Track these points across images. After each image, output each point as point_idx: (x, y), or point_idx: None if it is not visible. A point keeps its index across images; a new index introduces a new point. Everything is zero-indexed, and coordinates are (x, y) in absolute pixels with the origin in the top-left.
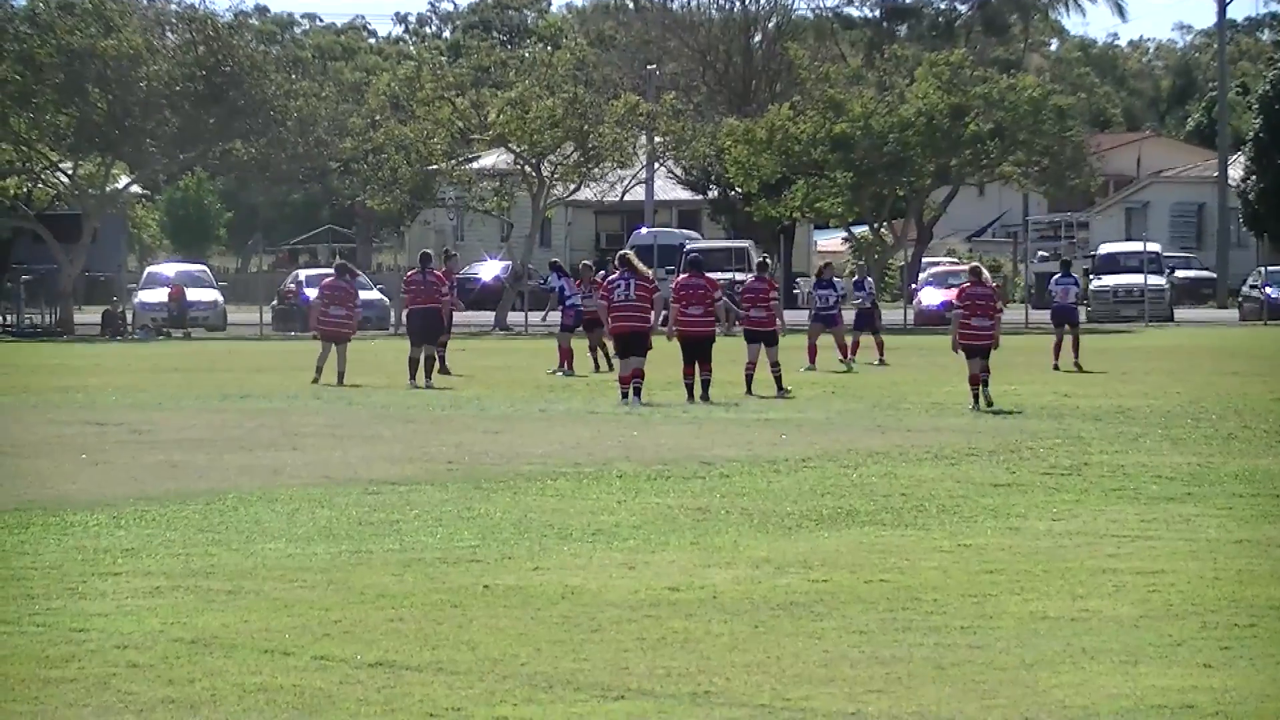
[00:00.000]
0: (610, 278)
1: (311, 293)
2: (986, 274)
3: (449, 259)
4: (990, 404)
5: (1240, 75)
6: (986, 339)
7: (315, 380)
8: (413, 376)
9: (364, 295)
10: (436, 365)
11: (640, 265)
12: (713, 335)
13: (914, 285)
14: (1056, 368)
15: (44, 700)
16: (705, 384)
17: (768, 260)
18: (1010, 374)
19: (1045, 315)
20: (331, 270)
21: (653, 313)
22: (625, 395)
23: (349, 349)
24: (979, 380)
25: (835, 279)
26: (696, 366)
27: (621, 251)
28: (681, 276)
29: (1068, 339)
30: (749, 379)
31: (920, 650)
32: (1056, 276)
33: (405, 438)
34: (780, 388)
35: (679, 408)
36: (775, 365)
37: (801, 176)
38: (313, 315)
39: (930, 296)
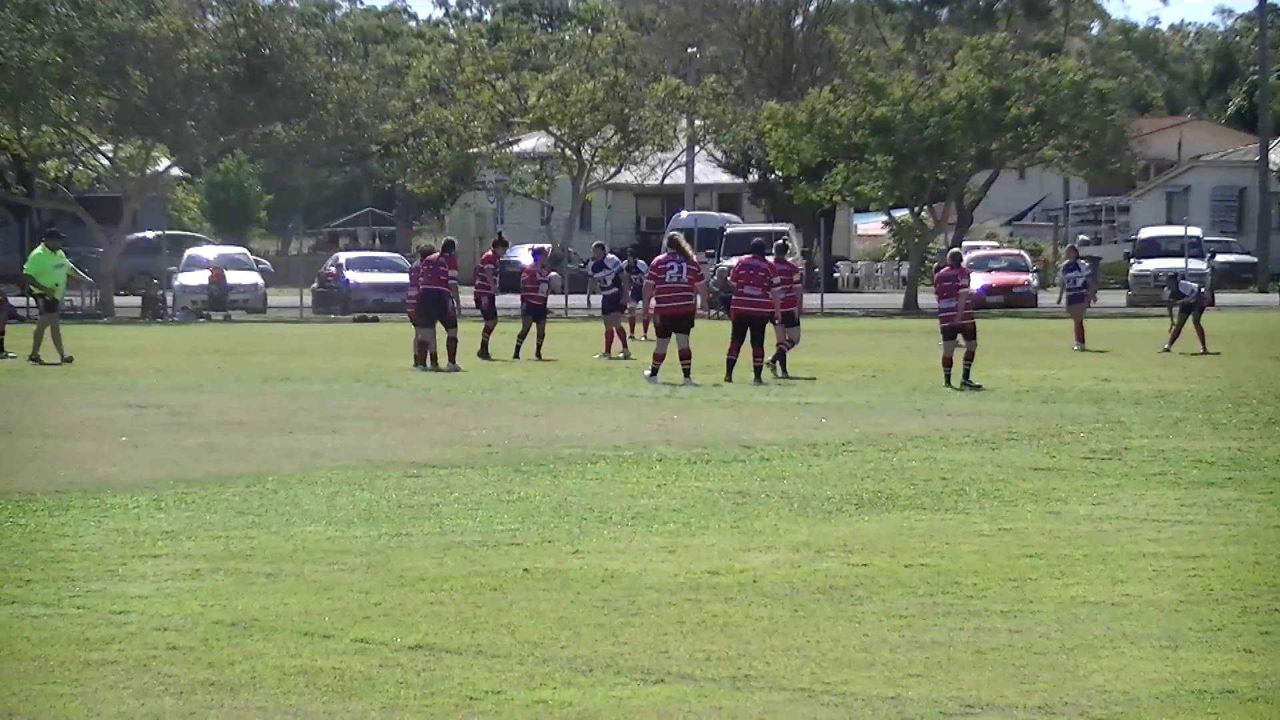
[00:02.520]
0: (659, 259)
1: (351, 275)
2: (963, 259)
3: (498, 244)
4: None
5: None
6: (949, 319)
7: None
8: (418, 361)
9: (403, 279)
10: (451, 348)
11: (688, 249)
12: (769, 316)
13: None
14: (1083, 349)
15: (84, 682)
16: (758, 369)
17: (787, 243)
18: (1048, 359)
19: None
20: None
21: (697, 296)
22: (655, 372)
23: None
24: (949, 362)
25: (1081, 260)
26: (745, 346)
27: (671, 234)
28: (743, 257)
29: (1088, 322)
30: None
31: (960, 634)
32: (1065, 265)
33: (445, 421)
34: (757, 372)
35: (718, 390)
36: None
37: (841, 160)
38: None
39: (971, 280)
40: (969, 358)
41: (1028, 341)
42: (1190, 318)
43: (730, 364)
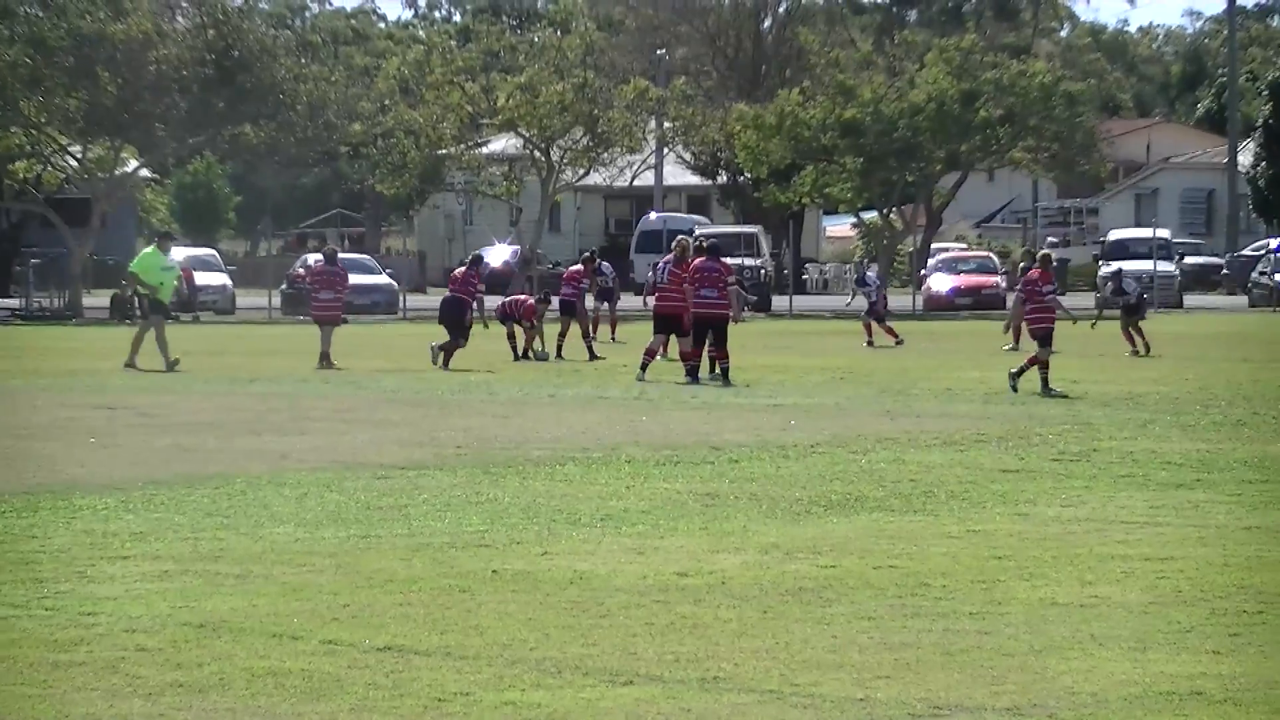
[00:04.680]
0: (697, 264)
1: None
2: (1053, 261)
3: (590, 260)
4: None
5: (1250, 61)
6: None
7: (324, 365)
8: (435, 359)
9: (372, 280)
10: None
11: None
12: (727, 317)
13: (923, 271)
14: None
15: (53, 684)
16: (724, 370)
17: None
18: (1018, 361)
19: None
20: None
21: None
22: (694, 371)
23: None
24: (1046, 365)
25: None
26: (706, 349)
27: (680, 237)
28: (698, 260)
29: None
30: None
31: (929, 636)
32: (1110, 285)
33: (414, 422)
34: (724, 374)
35: (687, 392)
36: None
37: (811, 162)
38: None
39: (939, 282)
40: (1035, 363)
41: (997, 343)
42: (1130, 319)
43: (692, 368)
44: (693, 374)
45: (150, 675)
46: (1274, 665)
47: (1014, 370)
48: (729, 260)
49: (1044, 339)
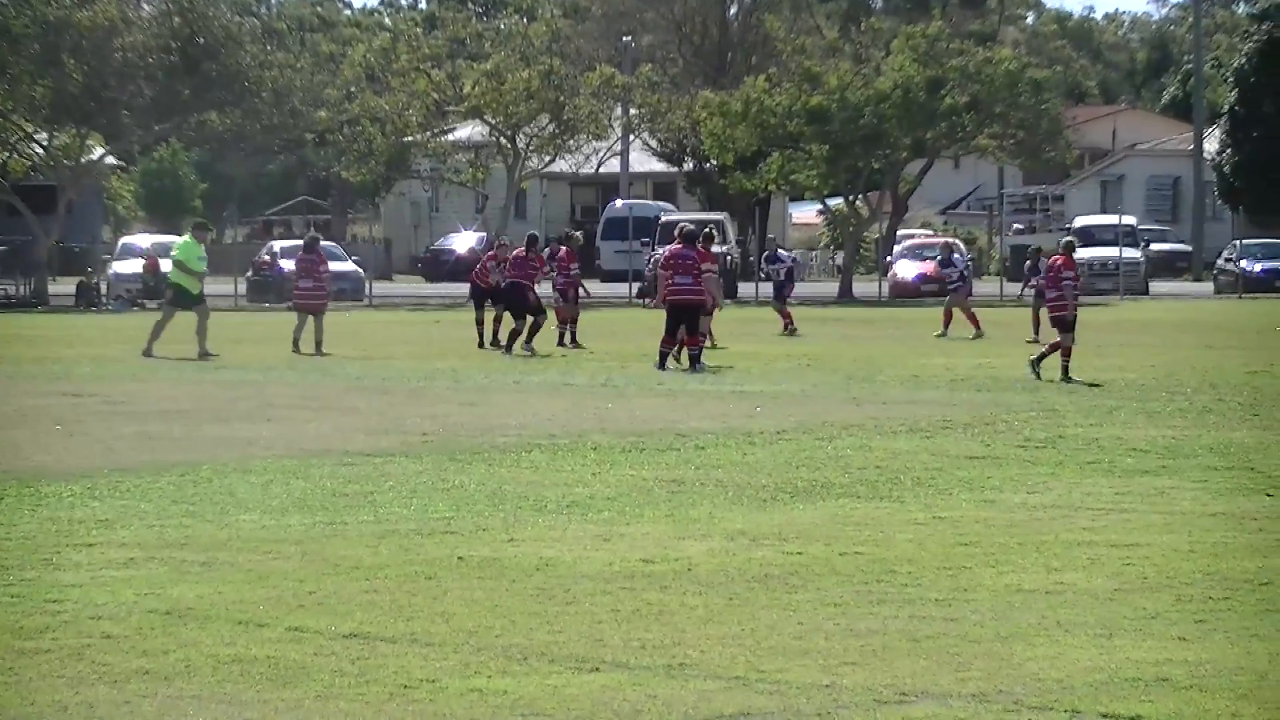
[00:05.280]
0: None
1: (286, 264)
2: (1075, 249)
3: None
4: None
5: (1216, 48)
6: (1057, 309)
7: (294, 350)
8: (507, 348)
9: (339, 267)
10: (524, 335)
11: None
12: (701, 305)
13: (889, 258)
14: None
15: (18, 671)
16: (694, 356)
17: (712, 233)
18: (986, 347)
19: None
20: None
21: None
22: (664, 359)
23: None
24: (1069, 352)
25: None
26: (680, 335)
27: (682, 224)
28: (673, 246)
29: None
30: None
31: (895, 623)
32: (1028, 264)
33: (380, 409)
34: (694, 360)
35: (654, 379)
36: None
37: (777, 149)
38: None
39: (905, 269)
40: (1065, 352)
41: (963, 329)
42: (1040, 302)
43: (663, 355)
44: (663, 361)
45: (116, 662)
46: (1240, 651)
47: (1034, 357)
48: (717, 249)
49: (1065, 326)
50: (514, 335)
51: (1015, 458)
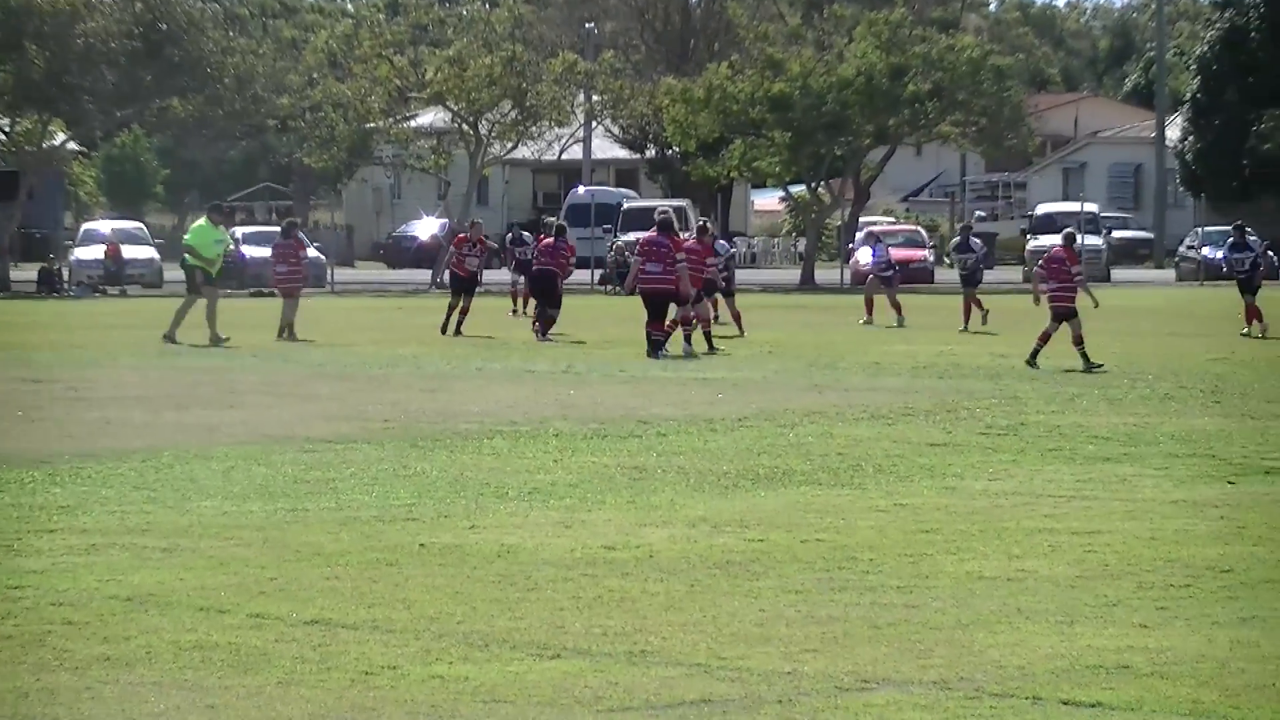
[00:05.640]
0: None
1: (248, 250)
2: (1076, 240)
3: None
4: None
5: (1178, 35)
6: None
7: (281, 336)
8: (542, 333)
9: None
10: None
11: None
12: (671, 293)
13: (851, 245)
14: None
15: None
16: (658, 342)
17: (707, 224)
18: (946, 334)
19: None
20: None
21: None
22: (658, 347)
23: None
24: (1048, 339)
25: (973, 239)
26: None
27: (662, 211)
28: (648, 234)
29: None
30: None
31: (856, 610)
32: (956, 243)
33: (341, 396)
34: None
35: (615, 365)
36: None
37: (739, 136)
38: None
39: (867, 256)
40: (1078, 341)
41: (925, 317)
42: (968, 290)
43: (656, 341)
44: (656, 348)
45: (77, 649)
46: (1201, 638)
47: (1033, 351)
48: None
49: (1065, 316)
50: (550, 322)
51: (977, 445)
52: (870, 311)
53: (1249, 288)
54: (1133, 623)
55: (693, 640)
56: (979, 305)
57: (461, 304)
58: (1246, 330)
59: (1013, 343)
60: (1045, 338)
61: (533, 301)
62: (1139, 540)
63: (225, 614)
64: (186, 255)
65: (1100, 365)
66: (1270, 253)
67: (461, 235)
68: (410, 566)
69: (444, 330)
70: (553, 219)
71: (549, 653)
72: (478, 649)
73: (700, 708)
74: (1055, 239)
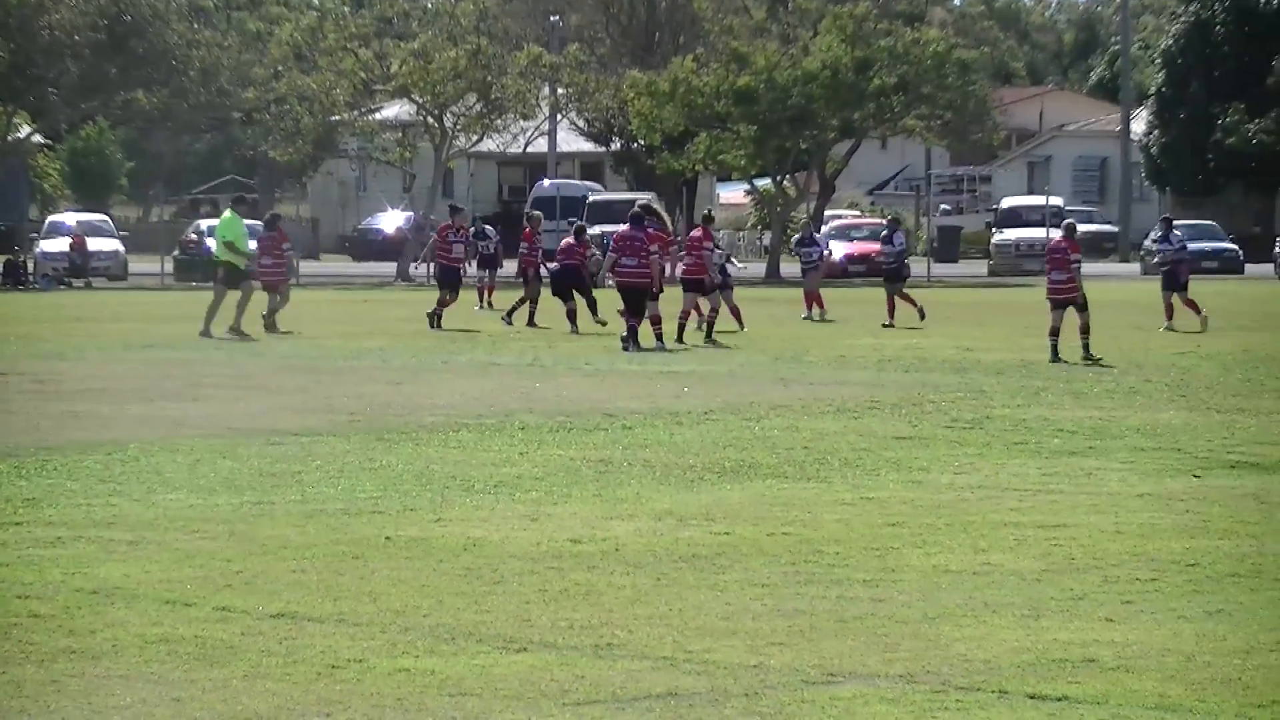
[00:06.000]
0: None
1: (212, 243)
2: (1076, 231)
3: (456, 213)
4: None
5: (1143, 29)
6: (1057, 291)
7: (270, 330)
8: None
9: None
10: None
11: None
12: (646, 287)
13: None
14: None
15: None
16: (632, 333)
17: (711, 213)
18: (911, 328)
19: (947, 270)
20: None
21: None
22: (627, 340)
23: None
24: (1057, 332)
25: (897, 235)
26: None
27: (641, 203)
28: (623, 228)
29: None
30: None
31: (822, 603)
32: (884, 235)
33: (308, 389)
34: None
35: (581, 358)
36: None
37: (704, 129)
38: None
39: (832, 250)
40: (1085, 330)
41: (883, 310)
42: (892, 286)
43: (632, 330)
44: (631, 338)
45: (43, 641)
46: (1166, 632)
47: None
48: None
49: (1071, 305)
50: (572, 314)
51: (942, 438)
52: (811, 307)
53: (1174, 284)
54: (1098, 616)
55: (659, 633)
56: (909, 300)
57: (448, 297)
58: (1169, 324)
59: (979, 336)
60: (1055, 331)
61: (530, 298)
62: (1104, 534)
63: (191, 607)
64: (219, 250)
65: (1099, 358)
66: (1235, 245)
67: (445, 225)
68: (376, 560)
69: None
70: (538, 213)
71: (515, 646)
72: (444, 642)
73: (666, 701)
74: (1021, 232)
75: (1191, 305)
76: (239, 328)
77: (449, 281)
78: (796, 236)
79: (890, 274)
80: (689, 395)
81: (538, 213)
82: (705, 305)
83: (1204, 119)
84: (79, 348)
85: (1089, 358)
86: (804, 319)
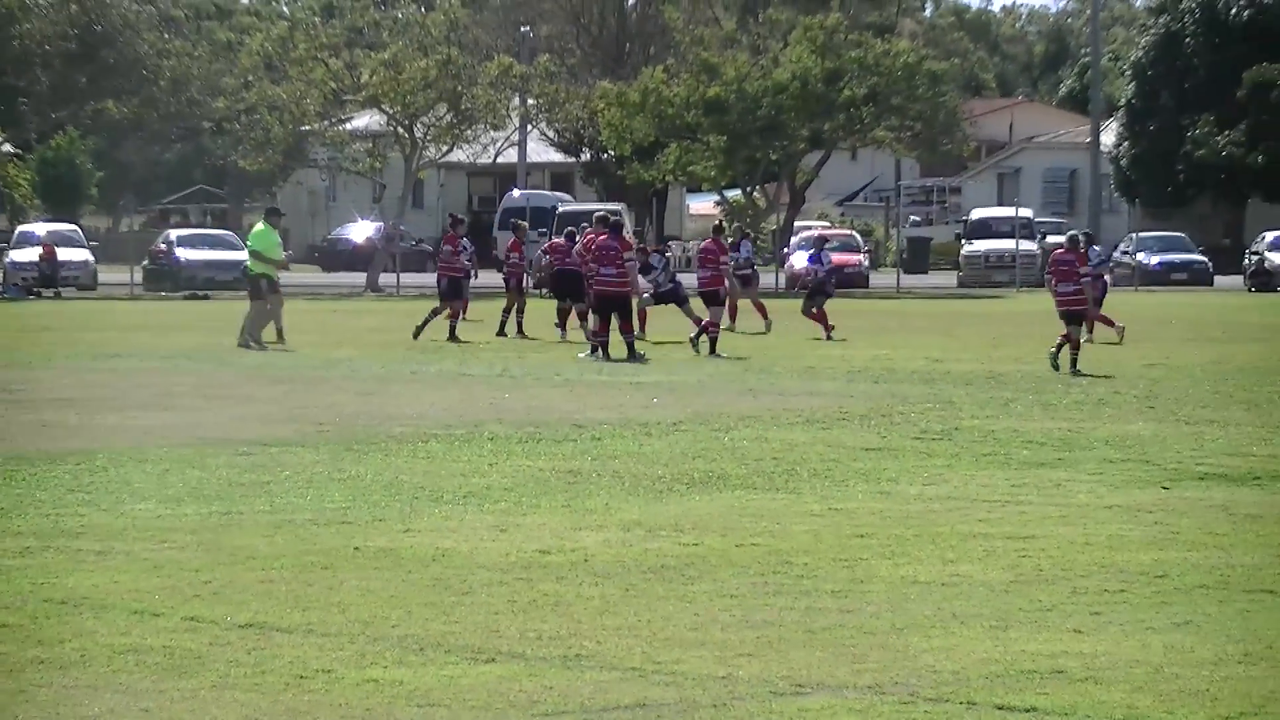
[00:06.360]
0: (592, 237)
1: (182, 253)
2: (1080, 243)
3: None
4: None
5: (1113, 41)
6: (1065, 303)
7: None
8: (560, 326)
9: (234, 256)
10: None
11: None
12: (628, 295)
13: (786, 249)
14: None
15: None
16: (630, 344)
17: (723, 223)
18: (880, 339)
19: (917, 281)
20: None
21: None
22: (595, 349)
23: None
24: (1078, 344)
25: (824, 253)
26: (612, 325)
27: (600, 213)
28: (600, 238)
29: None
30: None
31: (791, 614)
32: (810, 254)
33: (277, 399)
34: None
35: (551, 369)
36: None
37: (674, 140)
38: None
39: (802, 260)
40: (1075, 345)
41: (860, 321)
42: (811, 300)
43: (602, 344)
44: (601, 349)
45: (11, 652)
46: (1135, 644)
47: (1052, 350)
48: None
49: (1076, 319)
50: (565, 314)
51: (911, 449)
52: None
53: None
54: (1067, 628)
55: (627, 644)
56: (825, 322)
57: (451, 309)
58: (1088, 337)
59: (949, 347)
60: (1074, 344)
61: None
62: (1073, 545)
63: (160, 617)
64: (252, 262)
65: (1081, 373)
66: (1204, 257)
67: (452, 235)
68: (345, 570)
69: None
70: (524, 223)
71: (484, 656)
72: (412, 653)
73: (635, 712)
74: (991, 244)
75: (1103, 320)
76: (259, 338)
77: (454, 292)
78: (729, 241)
79: (814, 290)
80: (658, 406)
81: (524, 223)
82: (700, 314)
83: (1174, 131)
84: (48, 357)
85: (1074, 369)
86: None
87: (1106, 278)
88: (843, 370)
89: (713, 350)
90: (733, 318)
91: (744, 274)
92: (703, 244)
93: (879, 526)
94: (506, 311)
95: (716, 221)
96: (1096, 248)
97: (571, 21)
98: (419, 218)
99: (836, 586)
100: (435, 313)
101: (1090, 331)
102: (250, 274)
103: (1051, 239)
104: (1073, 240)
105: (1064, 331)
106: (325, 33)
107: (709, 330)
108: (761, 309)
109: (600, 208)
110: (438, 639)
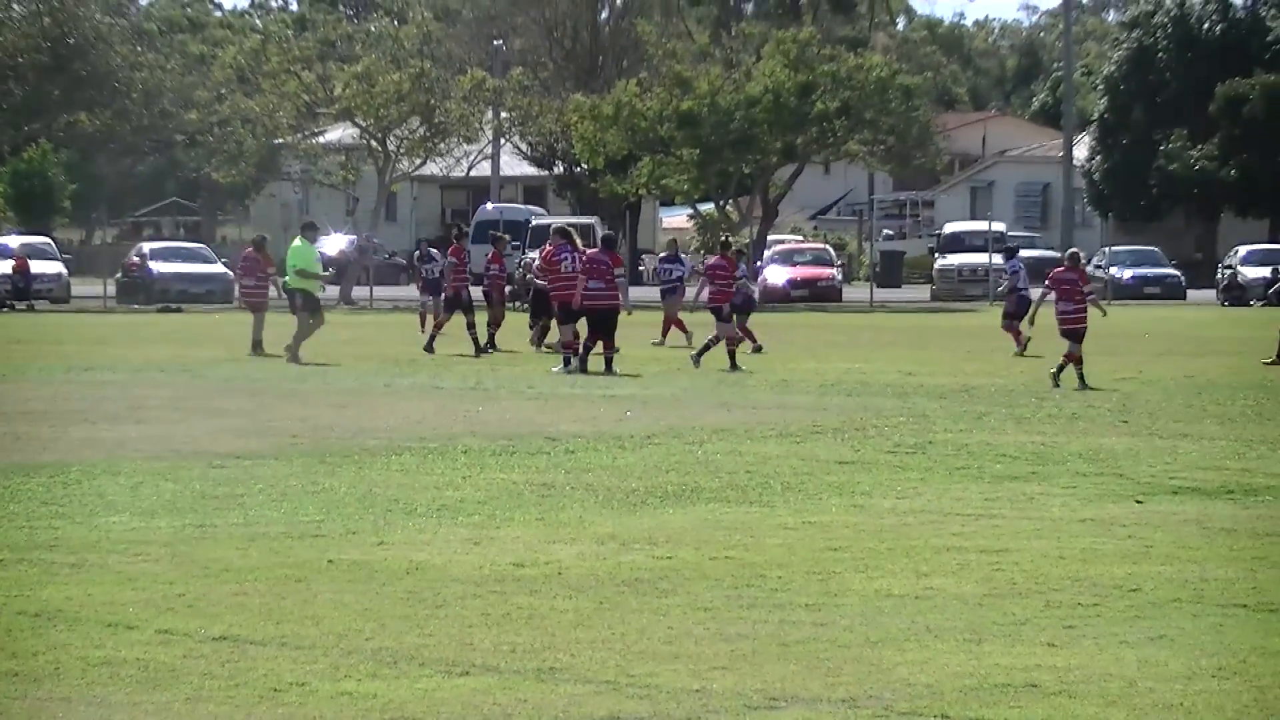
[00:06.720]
0: (550, 251)
1: (155, 265)
2: (1081, 260)
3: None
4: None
5: (1086, 55)
6: (1067, 321)
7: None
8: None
9: (207, 269)
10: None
11: (579, 240)
12: (615, 309)
13: (759, 263)
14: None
15: None
16: (609, 360)
17: (729, 239)
18: (853, 352)
19: (890, 295)
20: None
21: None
22: (569, 361)
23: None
24: (1081, 361)
25: (681, 254)
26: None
27: (558, 225)
28: (590, 251)
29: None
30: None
31: (765, 627)
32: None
33: (250, 411)
34: (609, 364)
35: (524, 382)
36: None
37: (648, 153)
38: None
39: (775, 274)
40: (1078, 362)
41: (833, 335)
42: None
43: (582, 358)
44: (580, 361)
45: None
46: (1109, 657)
47: (1053, 370)
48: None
49: (1077, 337)
50: (544, 331)
51: (885, 463)
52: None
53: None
54: (1040, 641)
55: (601, 657)
56: (751, 336)
57: (468, 319)
58: (1020, 351)
59: (922, 361)
60: (1078, 361)
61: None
62: (1047, 559)
63: (133, 630)
64: (290, 277)
65: (1090, 388)
66: (1177, 271)
67: (455, 247)
68: (319, 583)
69: (486, 347)
70: (505, 235)
71: (458, 670)
72: (386, 666)
73: None
74: (964, 258)
75: (1012, 331)
76: (297, 352)
77: (463, 304)
78: (662, 254)
79: (741, 306)
80: (631, 419)
81: (505, 235)
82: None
83: (1146, 145)
84: (21, 369)
85: (1058, 382)
86: (654, 344)
87: (1025, 291)
88: (816, 384)
89: (732, 363)
90: (663, 333)
91: (672, 286)
92: (710, 261)
93: (852, 540)
94: (491, 325)
95: (724, 238)
96: (1018, 261)
97: (545, 35)
98: (392, 230)
99: (810, 600)
100: (439, 326)
101: (1022, 347)
102: (289, 289)
103: (1025, 253)
104: (1073, 258)
105: (1066, 350)
106: (298, 46)
107: (724, 344)
108: (680, 324)
109: (575, 221)
110: (412, 652)
